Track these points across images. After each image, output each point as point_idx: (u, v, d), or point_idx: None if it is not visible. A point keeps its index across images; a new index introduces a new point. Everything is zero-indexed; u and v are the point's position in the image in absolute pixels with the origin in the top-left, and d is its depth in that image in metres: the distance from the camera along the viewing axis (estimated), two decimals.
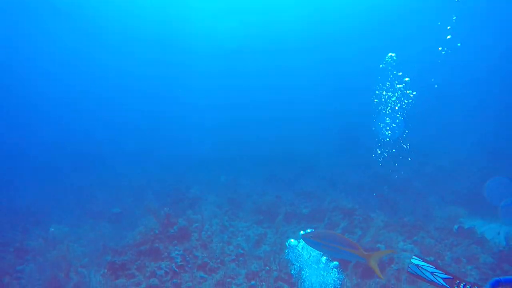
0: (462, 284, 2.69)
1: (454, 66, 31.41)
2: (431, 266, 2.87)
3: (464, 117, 26.92)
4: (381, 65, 11.10)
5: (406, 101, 10.41)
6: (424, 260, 2.88)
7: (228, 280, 6.45)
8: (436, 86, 27.96)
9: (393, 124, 10.41)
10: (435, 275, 2.80)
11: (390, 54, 11.21)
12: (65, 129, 30.04)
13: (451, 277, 2.77)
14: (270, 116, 32.18)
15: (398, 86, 10.46)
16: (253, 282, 6.40)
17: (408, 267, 2.85)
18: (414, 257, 2.98)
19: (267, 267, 6.77)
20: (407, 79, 10.58)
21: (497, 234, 7.98)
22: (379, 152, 10.78)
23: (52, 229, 8.78)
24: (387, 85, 10.57)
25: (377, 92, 10.66)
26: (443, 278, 2.79)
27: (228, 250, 7.65)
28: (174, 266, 6.82)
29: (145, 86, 41.12)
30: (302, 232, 3.76)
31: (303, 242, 3.74)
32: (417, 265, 2.87)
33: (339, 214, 9.34)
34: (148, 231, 7.92)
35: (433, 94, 26.03)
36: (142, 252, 7.39)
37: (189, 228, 8.27)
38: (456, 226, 8.42)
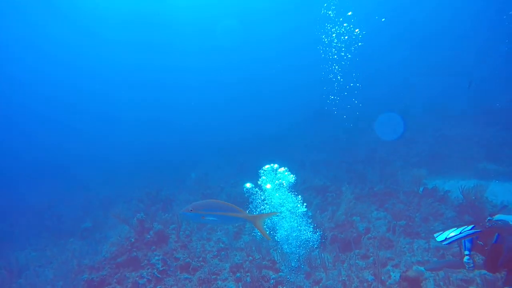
0: (487, 224, 3.06)
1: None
2: (454, 228, 3.24)
3: (413, 76, 27.37)
4: (329, 12, 10.93)
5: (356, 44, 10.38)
6: (443, 231, 3.24)
7: (213, 276, 6.40)
8: (383, 19, 27.85)
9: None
10: (463, 232, 3.13)
11: None
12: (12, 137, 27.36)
13: (473, 225, 3.15)
14: (237, 100, 31.72)
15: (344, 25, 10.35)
16: (238, 274, 6.41)
17: (441, 243, 3.15)
18: (435, 234, 3.29)
19: (250, 257, 6.80)
20: (349, 13, 10.46)
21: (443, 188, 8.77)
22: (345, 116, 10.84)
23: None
24: (336, 20, 10.39)
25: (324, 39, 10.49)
26: (470, 229, 3.14)
27: (209, 246, 7.58)
28: (156, 272, 6.65)
29: (102, 87, 38.88)
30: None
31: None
32: (445, 237, 3.19)
33: (312, 193, 9.57)
34: (123, 241, 7.63)
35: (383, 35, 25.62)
36: (120, 263, 7.13)
37: (166, 230, 8.07)
38: (421, 188, 8.95)
